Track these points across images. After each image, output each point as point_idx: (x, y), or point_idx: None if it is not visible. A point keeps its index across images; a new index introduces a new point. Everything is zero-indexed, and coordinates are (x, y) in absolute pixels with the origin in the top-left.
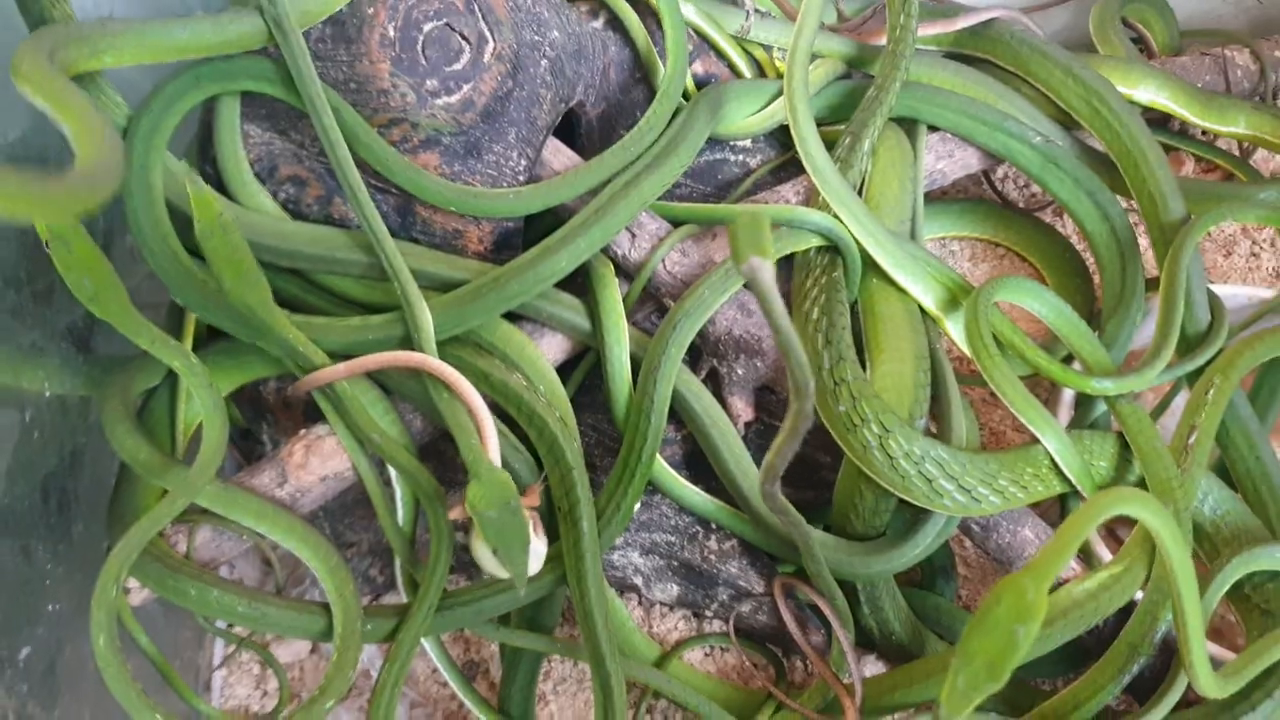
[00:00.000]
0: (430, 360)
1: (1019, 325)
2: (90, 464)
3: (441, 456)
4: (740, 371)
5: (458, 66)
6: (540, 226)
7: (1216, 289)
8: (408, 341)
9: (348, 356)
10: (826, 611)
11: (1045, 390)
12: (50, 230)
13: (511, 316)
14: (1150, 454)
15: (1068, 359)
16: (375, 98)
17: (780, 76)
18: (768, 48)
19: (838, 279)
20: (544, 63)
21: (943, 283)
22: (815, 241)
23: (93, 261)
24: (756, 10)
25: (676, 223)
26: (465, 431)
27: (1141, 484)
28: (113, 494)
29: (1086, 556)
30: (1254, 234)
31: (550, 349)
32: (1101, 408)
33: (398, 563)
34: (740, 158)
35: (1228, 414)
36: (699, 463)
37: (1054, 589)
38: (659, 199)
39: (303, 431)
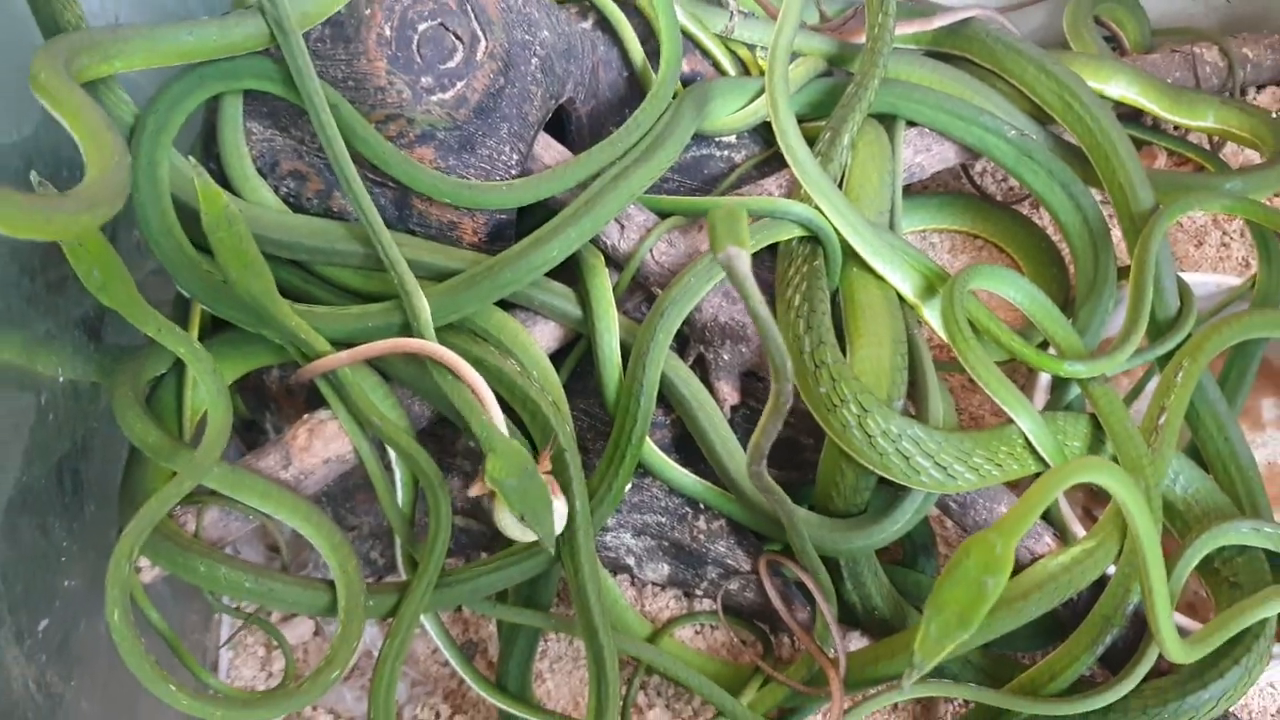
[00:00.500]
0: (429, 345)
1: (996, 313)
2: (100, 449)
3: (440, 440)
4: (726, 357)
5: (452, 64)
6: (533, 218)
7: (1186, 277)
8: (406, 329)
9: (348, 344)
10: (810, 586)
11: (1023, 375)
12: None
13: (506, 305)
14: (1121, 434)
15: (1043, 345)
16: (373, 95)
17: (763, 74)
18: (751, 47)
19: (819, 267)
20: (534, 61)
21: (920, 271)
22: (797, 232)
23: (102, 254)
24: (740, 10)
25: (663, 214)
26: (473, 410)
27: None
28: (123, 477)
29: (1062, 533)
30: (1224, 224)
31: (543, 336)
32: (1076, 391)
33: (398, 543)
34: (725, 153)
35: (1197, 397)
36: (688, 445)
37: (1030, 564)
38: (646, 192)
39: (306, 416)
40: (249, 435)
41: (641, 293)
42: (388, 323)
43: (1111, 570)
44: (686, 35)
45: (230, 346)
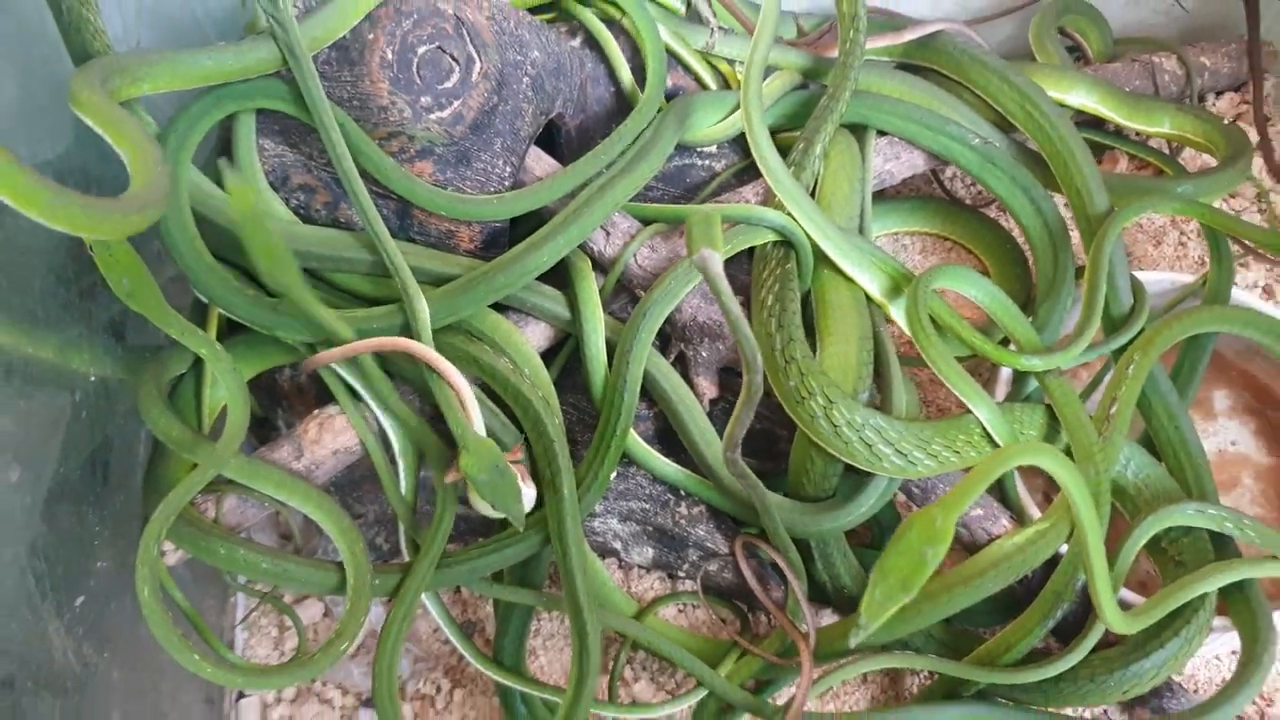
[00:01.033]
0: (414, 345)
1: (960, 310)
2: (126, 443)
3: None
4: (705, 354)
5: (449, 84)
6: (525, 225)
7: (1143, 275)
8: (407, 330)
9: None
10: (782, 564)
11: (986, 369)
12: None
13: (500, 307)
14: (1074, 423)
15: (1004, 341)
16: (376, 113)
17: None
18: (731, 61)
19: (791, 270)
20: (526, 80)
21: (887, 272)
22: (772, 236)
23: (130, 262)
24: (720, 27)
25: (646, 221)
26: (452, 408)
27: (1068, 451)
28: (147, 468)
29: (1019, 516)
30: (1182, 225)
31: (535, 336)
32: (1035, 384)
33: (401, 528)
34: (707, 162)
35: (1150, 388)
36: (669, 437)
37: (987, 544)
38: (631, 201)
39: (316, 411)
40: (261, 431)
41: (626, 294)
42: (390, 324)
43: (1064, 550)
44: (670, 53)
45: (245, 348)
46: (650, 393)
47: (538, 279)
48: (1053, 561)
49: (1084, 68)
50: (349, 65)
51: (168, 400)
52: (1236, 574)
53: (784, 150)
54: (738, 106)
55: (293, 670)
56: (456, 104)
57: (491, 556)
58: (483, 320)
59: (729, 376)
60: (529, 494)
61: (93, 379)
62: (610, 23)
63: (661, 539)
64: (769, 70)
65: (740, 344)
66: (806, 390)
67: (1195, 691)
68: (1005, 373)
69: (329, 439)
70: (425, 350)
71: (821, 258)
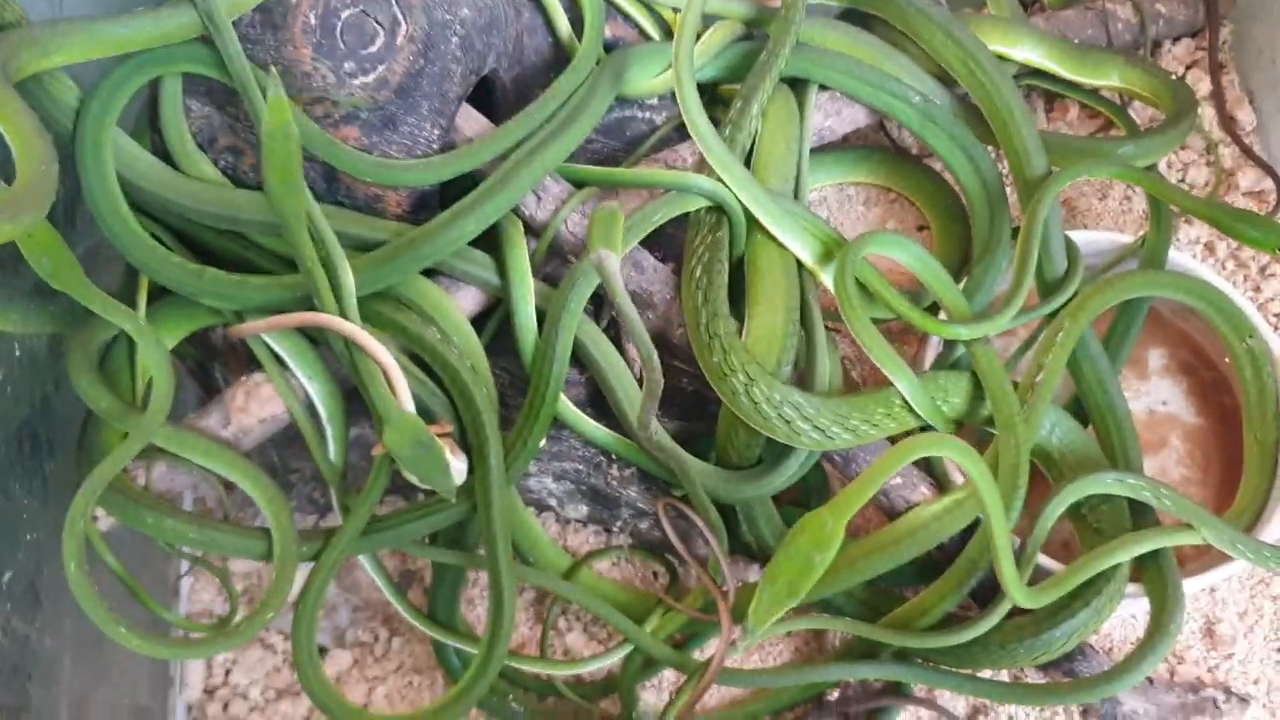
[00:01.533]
0: (338, 321)
1: (894, 274)
2: (59, 408)
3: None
4: None
5: (373, 49)
6: (458, 186)
7: (1081, 235)
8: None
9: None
10: (701, 526)
11: (918, 334)
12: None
13: (430, 272)
14: (998, 392)
15: (935, 308)
16: (300, 79)
17: None
18: (676, 9)
19: (721, 238)
20: (454, 40)
21: (819, 238)
22: (704, 202)
23: (49, 241)
24: None
25: (579, 185)
26: (375, 381)
27: (992, 421)
28: (80, 434)
29: (941, 484)
30: None
31: (465, 301)
32: (963, 350)
33: (333, 493)
34: (647, 114)
35: (1081, 352)
36: (602, 401)
37: (905, 511)
38: (566, 161)
39: (244, 378)
40: (204, 378)
41: (560, 257)
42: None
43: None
44: (610, 1)
45: (175, 309)
46: (581, 359)
47: (471, 243)
48: (973, 527)
49: (1038, 15)
50: (272, 30)
51: (98, 368)
52: (1146, 545)
53: (727, 105)
54: None
55: (218, 641)
56: (381, 69)
57: (420, 522)
58: (411, 287)
59: (659, 344)
60: (458, 466)
61: (18, 353)
62: None
63: (595, 498)
64: (712, 20)
65: (636, 344)
66: (729, 367)
67: (1110, 650)
68: (935, 338)
69: (256, 407)
70: (349, 326)
71: (753, 222)
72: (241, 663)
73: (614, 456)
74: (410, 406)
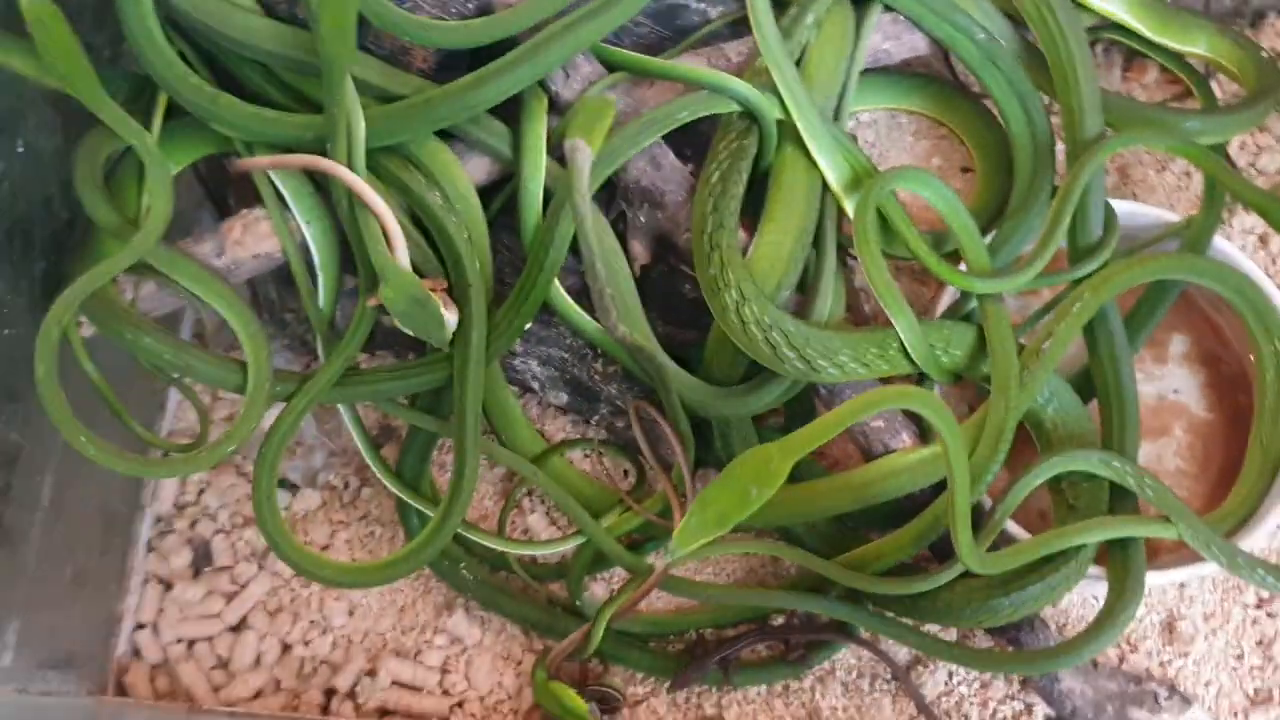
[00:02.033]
0: (342, 170)
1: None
2: (59, 212)
3: None
4: (643, 219)
5: None
6: (489, 49)
7: (1123, 205)
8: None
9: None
10: (670, 435)
11: (938, 282)
12: (31, 14)
13: (444, 134)
14: (1000, 353)
15: (956, 255)
16: None
17: None
18: None
19: (747, 146)
20: None
21: (851, 164)
22: (735, 107)
23: (66, 44)
24: None
25: (611, 68)
26: (374, 238)
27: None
28: (78, 247)
29: (924, 435)
30: None
31: (476, 170)
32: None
33: (318, 340)
34: (702, 6)
35: (1099, 326)
36: None
37: (882, 455)
38: (604, 42)
39: (244, 211)
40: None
41: None
42: (328, 135)
43: None
44: None
45: (189, 131)
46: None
47: (488, 111)
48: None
49: None
50: None
51: (103, 179)
52: (1115, 532)
53: (784, 9)
54: None
55: (175, 464)
56: None
57: (397, 383)
58: (422, 147)
59: (664, 245)
60: (450, 319)
61: (21, 148)
62: None
63: (577, 389)
64: None
65: (581, 245)
66: (724, 281)
67: (1064, 627)
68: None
69: (251, 242)
70: (352, 177)
71: (788, 135)
72: (215, 485)
73: (599, 351)
74: (406, 263)
